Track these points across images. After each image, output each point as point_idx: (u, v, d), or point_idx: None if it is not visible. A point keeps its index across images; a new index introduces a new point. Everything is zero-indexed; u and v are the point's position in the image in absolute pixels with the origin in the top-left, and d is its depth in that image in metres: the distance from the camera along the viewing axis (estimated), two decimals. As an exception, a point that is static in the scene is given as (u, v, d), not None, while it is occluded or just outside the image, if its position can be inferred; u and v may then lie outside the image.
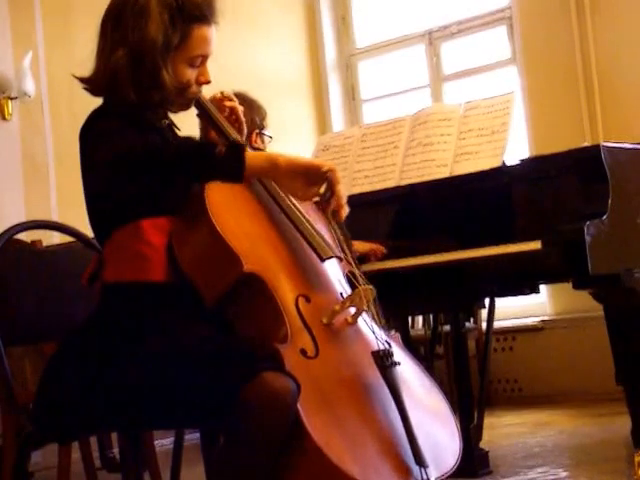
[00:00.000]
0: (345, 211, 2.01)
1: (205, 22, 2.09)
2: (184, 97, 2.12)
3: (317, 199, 2.05)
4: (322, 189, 2.00)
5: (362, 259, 3.26)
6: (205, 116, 2.21)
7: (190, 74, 2.10)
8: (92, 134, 2.05)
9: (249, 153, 1.92)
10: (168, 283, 2.01)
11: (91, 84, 2.14)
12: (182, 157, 1.92)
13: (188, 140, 2.02)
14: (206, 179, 1.98)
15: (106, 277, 2.08)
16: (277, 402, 1.78)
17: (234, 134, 2.19)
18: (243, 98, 3.48)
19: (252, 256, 1.96)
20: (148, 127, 2.07)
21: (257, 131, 3.44)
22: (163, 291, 2.01)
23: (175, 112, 2.19)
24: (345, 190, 2.02)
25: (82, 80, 2.15)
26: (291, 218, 2.10)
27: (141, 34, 2.05)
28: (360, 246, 3.31)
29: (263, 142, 3.48)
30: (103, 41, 2.13)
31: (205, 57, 2.12)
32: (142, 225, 2.01)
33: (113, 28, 2.10)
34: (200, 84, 2.14)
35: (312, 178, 1.97)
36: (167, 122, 2.19)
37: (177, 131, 2.20)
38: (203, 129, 2.39)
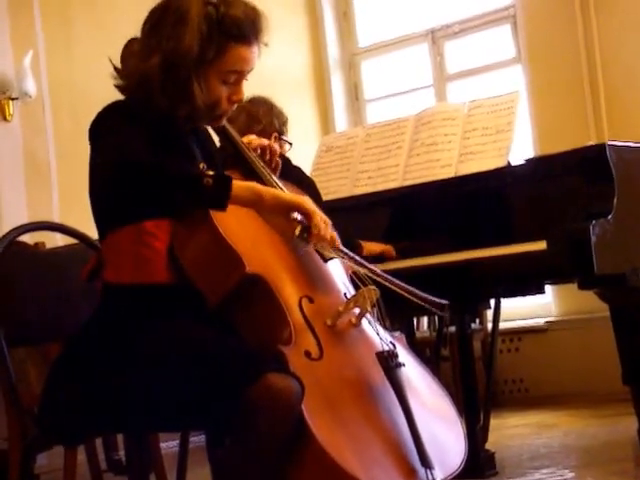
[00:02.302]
0: (333, 240, 2.01)
1: (243, 41, 2.05)
2: (213, 113, 2.10)
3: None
4: (297, 230, 1.97)
5: (376, 260, 3.25)
6: (231, 146, 2.20)
7: (221, 90, 2.07)
8: (104, 130, 2.03)
9: (236, 183, 1.91)
10: (171, 285, 2.01)
11: (123, 86, 2.12)
12: (173, 184, 1.91)
13: (182, 166, 2.00)
14: (192, 206, 1.98)
15: (108, 277, 2.07)
16: (282, 403, 1.77)
17: (260, 168, 2.16)
18: (264, 101, 3.48)
19: (255, 257, 1.95)
20: (168, 137, 2.06)
21: (276, 135, 3.42)
22: (166, 293, 2.01)
23: (202, 125, 2.19)
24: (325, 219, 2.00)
25: (117, 70, 2.13)
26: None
27: (177, 43, 2.01)
28: (373, 247, 3.30)
29: (282, 147, 3.46)
30: (141, 42, 2.10)
31: (240, 75, 2.09)
32: (144, 226, 2.01)
33: (151, 32, 2.07)
34: (232, 102, 2.11)
35: (292, 214, 1.96)
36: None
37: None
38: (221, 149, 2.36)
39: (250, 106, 3.41)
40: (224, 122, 2.17)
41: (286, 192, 2.07)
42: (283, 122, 3.48)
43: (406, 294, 2.08)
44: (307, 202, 1.99)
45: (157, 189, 1.91)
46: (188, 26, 2.01)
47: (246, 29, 2.04)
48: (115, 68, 2.14)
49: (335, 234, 2.03)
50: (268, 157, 2.25)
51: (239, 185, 1.92)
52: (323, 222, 1.98)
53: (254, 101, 3.44)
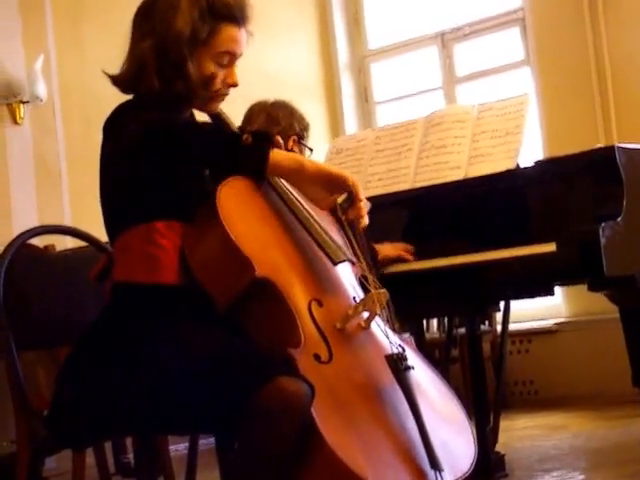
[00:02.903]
0: (364, 222, 2.04)
1: (234, 22, 2.12)
2: (208, 92, 2.13)
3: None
4: (340, 199, 2.02)
5: (393, 262, 3.23)
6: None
7: (216, 71, 2.12)
8: (121, 122, 2.06)
9: (278, 150, 1.95)
10: (181, 286, 2.01)
11: (120, 80, 2.15)
12: (211, 137, 1.96)
13: (219, 126, 2.05)
14: (229, 166, 1.99)
15: (117, 276, 2.08)
16: (291, 406, 1.77)
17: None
18: (285, 104, 3.48)
19: (264, 261, 1.95)
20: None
21: (295, 138, 3.42)
22: (176, 294, 2.01)
23: (199, 109, 2.19)
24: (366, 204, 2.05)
25: (112, 77, 2.16)
26: (303, 222, 2.09)
27: (168, 25, 2.08)
28: (389, 250, 3.27)
29: (302, 152, 3.46)
30: (132, 35, 2.15)
31: (232, 57, 2.14)
32: (156, 226, 2.01)
33: (142, 21, 2.14)
34: (227, 86, 2.15)
35: (334, 187, 2.01)
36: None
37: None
38: None
39: (271, 108, 3.42)
40: (219, 108, 2.20)
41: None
42: (304, 127, 3.47)
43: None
44: (349, 175, 2.01)
45: (194, 148, 1.94)
46: (179, 11, 2.08)
47: (235, 11, 2.12)
48: (111, 76, 2.16)
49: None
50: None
51: (281, 152, 1.96)
52: (364, 197, 2.02)
53: (275, 104, 3.44)
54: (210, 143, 1.97)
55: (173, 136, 1.97)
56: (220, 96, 2.17)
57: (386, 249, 3.26)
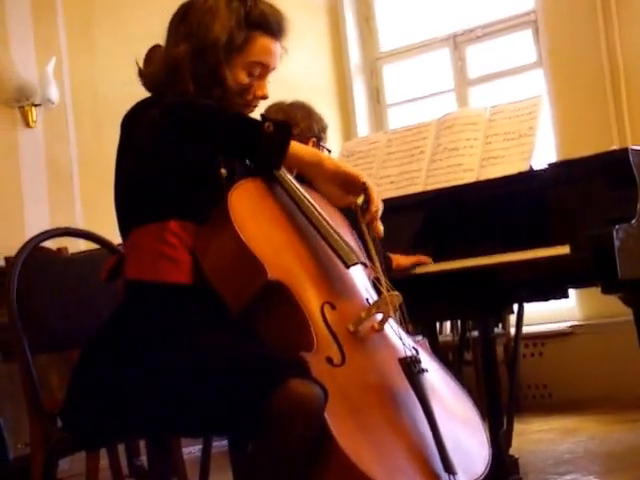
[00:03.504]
0: (378, 227, 2.06)
1: (269, 33, 2.12)
2: (242, 99, 2.13)
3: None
4: (360, 200, 2.04)
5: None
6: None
7: (246, 80, 2.11)
8: (139, 118, 2.06)
9: (298, 144, 1.98)
10: (193, 286, 2.01)
11: (148, 76, 2.15)
12: (233, 120, 1.97)
13: (241, 113, 2.05)
14: (248, 152, 2.01)
15: (128, 273, 2.08)
16: (305, 409, 1.77)
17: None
18: (303, 106, 3.47)
19: (276, 264, 1.95)
20: None
21: (314, 140, 3.41)
22: (188, 293, 2.01)
23: None
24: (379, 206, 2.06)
25: (141, 70, 2.16)
26: (315, 224, 2.08)
27: (206, 30, 2.07)
28: (403, 260, 3.24)
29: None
30: (168, 37, 2.15)
31: (265, 69, 2.13)
32: (169, 225, 2.01)
33: (179, 24, 2.13)
34: (256, 98, 2.15)
35: (349, 187, 2.03)
36: None
37: None
38: None
39: (289, 109, 3.41)
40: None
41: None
42: (322, 128, 3.46)
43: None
44: (367, 178, 2.03)
45: (215, 128, 1.95)
46: (217, 15, 2.08)
47: (272, 22, 2.12)
48: (140, 70, 2.16)
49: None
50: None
51: (301, 145, 2.00)
52: (379, 200, 2.05)
53: (293, 105, 3.43)
54: (231, 126, 1.97)
55: (195, 113, 1.97)
56: (251, 107, 2.17)
57: (400, 258, 3.23)
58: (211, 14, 2.08)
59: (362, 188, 2.03)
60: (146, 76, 2.15)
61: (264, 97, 2.16)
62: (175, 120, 1.98)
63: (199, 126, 1.97)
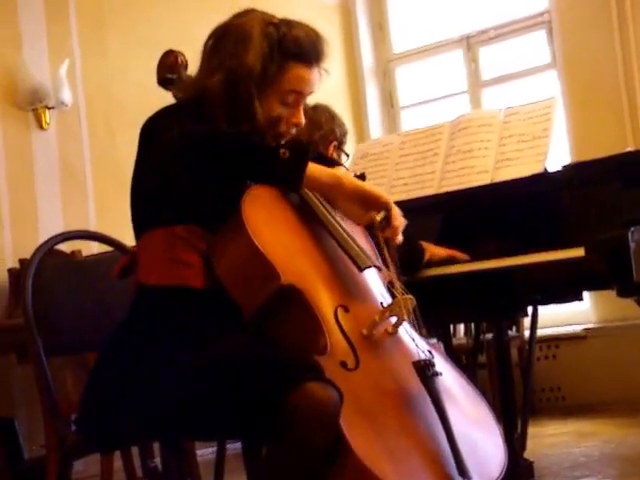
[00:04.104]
0: (399, 240, 2.03)
1: (303, 61, 2.07)
2: (273, 131, 2.09)
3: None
4: (379, 217, 2.01)
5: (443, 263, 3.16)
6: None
7: (280, 110, 2.08)
8: (160, 127, 2.03)
9: (316, 165, 1.93)
10: (206, 290, 2.01)
11: (180, 91, 2.14)
12: (247, 147, 1.92)
13: (255, 140, 1.99)
14: (264, 178, 1.97)
15: (140, 278, 2.08)
16: (321, 411, 1.76)
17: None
18: (327, 109, 3.46)
19: (290, 268, 1.94)
20: None
21: (335, 144, 3.41)
22: (203, 298, 2.01)
23: None
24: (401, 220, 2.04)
25: (175, 96, 2.15)
26: (328, 228, 2.08)
27: (240, 60, 2.03)
28: (438, 251, 3.20)
29: (339, 158, 3.44)
30: (201, 63, 2.12)
31: (300, 96, 2.10)
32: (176, 230, 2.01)
33: (213, 50, 2.09)
34: (291, 125, 2.11)
35: (369, 205, 2.00)
36: None
37: None
38: None
39: (312, 112, 3.39)
40: None
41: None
42: (344, 133, 3.45)
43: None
44: (385, 193, 2.01)
45: (228, 162, 1.91)
46: (251, 44, 2.03)
47: (306, 49, 2.07)
48: (172, 84, 2.15)
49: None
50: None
51: (319, 167, 1.94)
52: (401, 215, 2.02)
53: (317, 108, 3.43)
54: (247, 155, 1.93)
55: (213, 143, 1.93)
56: (283, 137, 2.12)
57: (435, 248, 3.18)
58: (244, 42, 2.03)
59: (383, 205, 2.01)
60: (178, 96, 2.14)
61: (298, 125, 2.12)
62: (194, 150, 1.94)
63: (217, 158, 1.93)
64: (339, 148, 3.42)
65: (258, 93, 2.04)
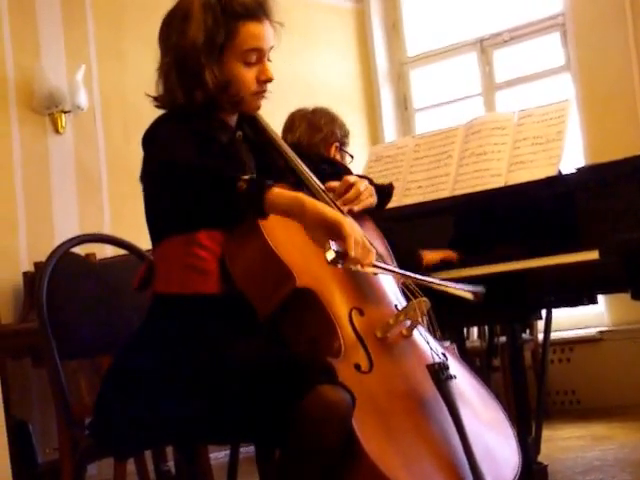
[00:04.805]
0: (369, 271, 1.94)
1: (252, 18, 2.09)
2: (230, 96, 2.10)
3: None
4: (329, 255, 1.83)
5: (437, 267, 3.19)
6: (263, 137, 2.18)
7: (246, 72, 2.10)
8: (151, 140, 2.07)
9: (277, 190, 1.86)
10: (222, 295, 2.01)
11: (158, 98, 2.17)
12: (208, 187, 1.88)
13: (219, 169, 1.93)
14: (227, 211, 1.90)
15: (157, 287, 2.09)
16: (333, 415, 1.76)
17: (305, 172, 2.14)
18: (326, 111, 3.48)
19: (304, 270, 1.95)
20: (207, 139, 2.07)
21: (337, 145, 3.41)
22: (217, 303, 2.01)
23: (236, 112, 2.17)
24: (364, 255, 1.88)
25: (154, 98, 2.18)
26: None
27: (183, 36, 2.08)
28: (431, 256, 3.23)
29: (343, 159, 3.45)
30: (160, 52, 2.17)
31: (260, 53, 2.11)
32: (197, 237, 2.02)
33: (163, 37, 2.16)
34: (262, 82, 2.12)
35: (331, 234, 1.85)
36: (240, 134, 2.18)
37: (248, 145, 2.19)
38: None
39: (312, 116, 3.41)
40: (258, 112, 2.18)
41: (327, 207, 1.91)
42: (345, 134, 3.47)
43: (445, 288, 2.06)
44: (346, 223, 1.85)
45: (192, 189, 1.90)
46: (192, 19, 2.08)
47: (251, 6, 2.09)
48: (154, 97, 2.18)
49: (373, 252, 1.91)
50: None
51: (279, 193, 1.86)
52: (360, 246, 1.86)
53: (316, 111, 3.44)
54: (207, 191, 1.88)
55: (178, 180, 1.92)
56: (257, 95, 2.14)
57: (430, 254, 3.22)
58: (186, 19, 2.09)
59: (340, 236, 1.84)
60: (156, 98, 2.18)
61: (268, 80, 2.13)
62: (164, 182, 1.96)
63: (182, 194, 1.92)
64: (341, 149, 3.43)
65: (208, 61, 2.06)
